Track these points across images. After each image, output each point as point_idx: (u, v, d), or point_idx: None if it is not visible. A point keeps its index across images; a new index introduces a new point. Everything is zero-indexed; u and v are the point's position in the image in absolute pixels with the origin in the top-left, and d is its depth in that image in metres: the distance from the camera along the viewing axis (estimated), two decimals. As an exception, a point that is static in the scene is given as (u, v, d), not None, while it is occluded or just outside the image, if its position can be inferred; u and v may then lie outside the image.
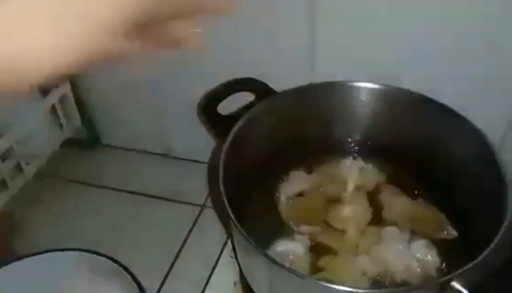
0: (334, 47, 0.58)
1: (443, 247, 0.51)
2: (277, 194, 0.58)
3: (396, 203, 0.56)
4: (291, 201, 0.57)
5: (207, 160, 0.76)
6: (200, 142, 0.74)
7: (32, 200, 0.71)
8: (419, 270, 0.49)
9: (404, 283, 0.48)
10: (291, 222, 0.55)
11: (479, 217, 0.49)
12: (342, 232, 0.53)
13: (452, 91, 0.55)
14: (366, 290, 0.38)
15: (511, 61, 0.53)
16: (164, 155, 0.79)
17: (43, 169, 0.71)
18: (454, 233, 0.52)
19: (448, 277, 0.38)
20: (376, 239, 0.52)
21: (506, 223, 0.41)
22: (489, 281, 0.39)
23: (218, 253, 0.61)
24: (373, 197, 0.57)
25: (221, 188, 0.46)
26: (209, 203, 0.70)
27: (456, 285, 0.38)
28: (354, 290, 0.38)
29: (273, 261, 0.39)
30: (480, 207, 0.49)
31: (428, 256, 0.50)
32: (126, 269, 0.50)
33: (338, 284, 0.38)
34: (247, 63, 0.62)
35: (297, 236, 0.53)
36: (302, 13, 0.57)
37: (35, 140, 0.68)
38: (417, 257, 0.50)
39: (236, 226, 0.42)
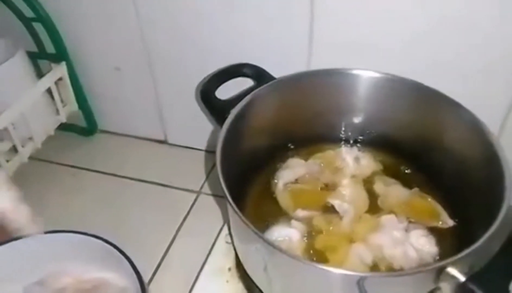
0: (333, 35, 0.58)
1: (441, 235, 0.51)
2: (275, 181, 0.58)
3: (392, 192, 0.56)
4: (288, 187, 0.57)
5: (203, 147, 0.76)
6: (197, 128, 0.74)
7: (27, 183, 0.70)
8: (416, 257, 0.49)
9: (401, 270, 0.48)
10: (288, 208, 0.55)
11: (477, 204, 0.49)
12: (339, 217, 0.53)
13: (450, 78, 0.55)
14: (361, 273, 0.38)
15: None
16: (161, 141, 0.79)
17: (38, 152, 0.71)
18: (450, 222, 0.52)
19: (444, 262, 0.39)
20: (373, 227, 0.52)
21: (503, 210, 0.41)
22: (485, 267, 0.39)
23: (213, 239, 0.61)
24: (369, 186, 0.57)
25: (219, 172, 0.45)
26: (205, 189, 0.70)
27: (452, 270, 0.38)
28: (350, 273, 0.38)
29: (270, 244, 0.39)
30: (478, 195, 0.49)
31: (426, 244, 0.50)
32: (121, 251, 0.50)
33: (335, 267, 0.38)
34: (246, 49, 0.62)
35: (294, 222, 0.52)
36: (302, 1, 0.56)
37: (30, 122, 0.67)
38: (414, 245, 0.50)
39: (233, 209, 0.42)
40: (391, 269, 0.49)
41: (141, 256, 0.52)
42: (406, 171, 0.59)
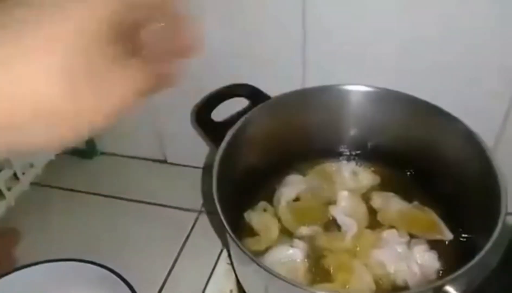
0: (327, 52, 0.58)
1: (442, 249, 0.51)
2: (276, 199, 0.58)
3: (391, 206, 0.56)
4: (289, 205, 0.57)
5: (203, 165, 0.76)
6: (197, 148, 0.74)
7: (28, 210, 0.71)
8: (420, 273, 0.49)
9: (404, 286, 0.48)
10: (290, 226, 0.55)
11: (475, 217, 0.49)
12: (342, 233, 0.53)
13: (445, 90, 0.55)
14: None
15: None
16: (160, 161, 0.79)
17: (39, 178, 0.71)
18: (449, 235, 0.52)
19: (441, 282, 0.39)
20: (375, 242, 0.52)
21: (499, 225, 0.42)
22: (483, 283, 0.39)
23: (215, 260, 0.61)
24: (367, 201, 0.57)
25: (215, 198, 0.46)
26: (205, 209, 0.70)
27: (449, 289, 0.38)
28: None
29: (270, 271, 0.39)
30: (475, 208, 0.50)
31: (430, 259, 0.50)
32: (123, 279, 0.50)
33: (334, 291, 0.38)
34: (241, 69, 0.63)
35: (296, 242, 0.52)
36: (295, 17, 0.57)
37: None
38: (418, 261, 0.50)
39: (230, 236, 0.42)
40: (395, 285, 0.49)
41: (143, 280, 0.52)
42: (404, 184, 0.59)
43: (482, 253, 0.39)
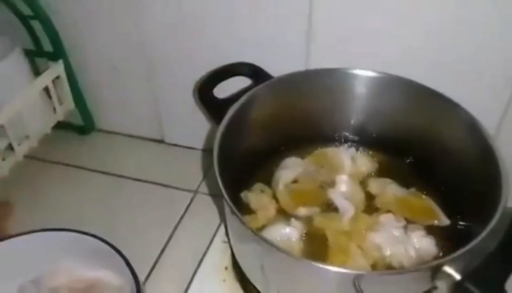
0: (331, 33, 0.58)
1: (440, 235, 0.51)
2: (274, 180, 0.58)
3: (389, 191, 0.56)
4: (288, 187, 0.57)
5: (201, 146, 0.76)
6: (194, 128, 0.74)
7: (22, 183, 0.70)
8: (415, 257, 0.49)
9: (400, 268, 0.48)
10: (288, 207, 0.55)
11: (474, 204, 0.49)
12: (339, 216, 0.53)
13: (448, 79, 0.55)
14: (357, 271, 0.38)
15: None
16: (158, 140, 0.78)
17: (34, 151, 0.71)
18: (446, 221, 0.52)
19: (440, 261, 0.39)
20: (371, 226, 0.52)
21: (499, 210, 0.42)
22: (481, 265, 0.39)
23: (210, 238, 0.61)
24: (365, 186, 0.57)
25: (216, 170, 0.45)
26: (202, 189, 0.70)
27: (448, 269, 0.38)
28: (346, 271, 0.38)
29: (267, 241, 0.39)
30: (475, 194, 0.50)
31: (425, 244, 0.50)
32: (117, 250, 0.50)
33: (332, 265, 0.38)
34: (244, 48, 0.62)
35: (293, 221, 0.52)
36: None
37: (27, 120, 0.67)
38: (414, 244, 0.50)
39: (231, 208, 0.42)
40: (390, 268, 0.48)
41: (137, 255, 0.52)
42: (403, 170, 0.59)
43: (483, 235, 0.39)
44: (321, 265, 0.38)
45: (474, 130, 0.50)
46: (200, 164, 0.74)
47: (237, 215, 0.41)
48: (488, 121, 0.50)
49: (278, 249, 0.39)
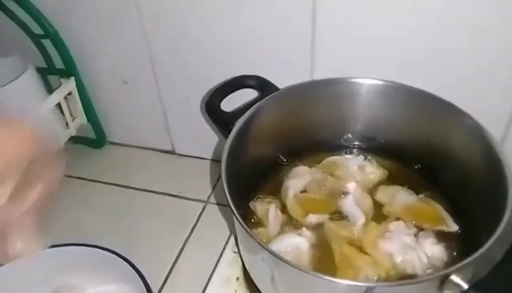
0: (336, 43, 0.59)
1: (449, 241, 0.51)
2: (283, 190, 0.58)
3: (397, 198, 0.56)
4: (297, 196, 0.58)
5: (210, 156, 0.77)
6: (203, 138, 0.75)
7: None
8: (427, 264, 0.49)
9: (412, 277, 0.48)
10: (298, 216, 0.55)
11: (481, 211, 0.49)
12: (350, 224, 0.54)
13: (453, 85, 0.56)
14: (368, 284, 0.39)
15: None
16: (168, 151, 0.80)
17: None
18: (454, 226, 0.52)
19: (447, 270, 0.39)
20: (382, 234, 0.53)
21: (506, 217, 0.42)
22: (489, 274, 0.39)
23: (221, 248, 0.62)
24: (373, 195, 0.57)
25: (224, 184, 0.46)
26: (212, 199, 0.71)
27: (455, 278, 0.39)
28: (357, 283, 0.38)
29: (276, 255, 0.40)
30: (482, 201, 0.50)
31: (437, 251, 0.50)
32: (130, 263, 0.51)
33: (341, 278, 0.38)
34: (250, 60, 0.63)
35: (304, 231, 0.53)
36: (305, 9, 0.57)
37: (41, 137, 0.69)
38: (426, 252, 0.50)
39: (239, 222, 0.43)
40: (403, 276, 0.49)
41: (151, 267, 0.53)
42: (411, 177, 0.59)
43: (489, 243, 0.40)
44: (331, 279, 0.38)
45: (480, 137, 0.50)
46: (211, 174, 0.75)
47: (245, 229, 0.42)
48: (494, 127, 0.50)
49: (287, 262, 0.39)
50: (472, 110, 0.51)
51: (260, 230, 0.53)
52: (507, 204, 0.43)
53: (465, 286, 0.38)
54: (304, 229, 0.53)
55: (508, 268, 0.40)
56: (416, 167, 0.59)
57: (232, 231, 0.63)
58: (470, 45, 0.54)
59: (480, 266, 0.40)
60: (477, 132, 0.50)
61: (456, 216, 0.53)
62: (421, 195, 0.56)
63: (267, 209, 0.55)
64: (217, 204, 0.70)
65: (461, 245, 0.51)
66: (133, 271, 0.50)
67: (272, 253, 0.40)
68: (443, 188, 0.56)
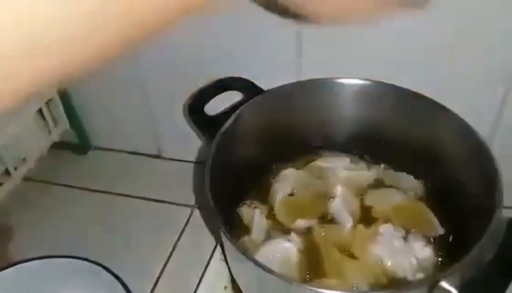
0: (322, 45, 0.58)
1: (439, 244, 0.51)
2: (271, 193, 0.58)
3: (385, 201, 0.56)
4: (285, 200, 0.57)
5: (198, 159, 0.76)
6: (190, 142, 0.73)
7: (21, 204, 0.70)
8: (418, 267, 0.49)
9: (402, 281, 0.48)
10: (286, 220, 0.55)
11: (471, 213, 0.49)
12: (338, 227, 0.53)
13: (442, 85, 0.55)
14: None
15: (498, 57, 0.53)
16: (155, 156, 0.78)
17: (31, 173, 0.71)
18: (440, 230, 0.52)
19: (436, 277, 0.38)
20: (370, 237, 0.52)
21: (495, 219, 0.41)
22: (477, 278, 0.38)
23: (209, 255, 0.61)
24: (362, 196, 0.57)
25: (208, 193, 0.45)
26: (199, 204, 0.69)
27: (444, 284, 0.38)
28: (343, 293, 0.38)
29: (262, 267, 0.39)
30: (471, 204, 0.49)
31: (427, 254, 0.50)
32: (114, 274, 0.50)
33: (328, 287, 0.38)
34: (234, 62, 0.62)
35: (292, 236, 0.52)
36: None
37: (22, 144, 0.67)
38: (416, 255, 0.50)
39: (223, 231, 0.42)
40: (393, 280, 0.48)
41: (136, 277, 0.52)
42: (399, 178, 0.58)
43: (477, 248, 0.39)
44: (318, 289, 0.37)
45: (468, 137, 0.50)
46: (198, 179, 0.73)
47: (228, 239, 0.41)
48: (482, 127, 0.50)
49: (273, 273, 0.38)
50: (460, 109, 0.51)
51: (247, 237, 0.52)
52: (495, 205, 0.43)
53: (454, 291, 0.38)
54: (293, 234, 0.52)
55: (496, 271, 0.39)
56: (404, 168, 0.59)
57: (219, 238, 0.62)
58: (457, 45, 0.53)
59: (469, 269, 0.39)
60: (465, 133, 0.50)
61: (445, 217, 0.53)
62: (410, 194, 0.56)
63: (252, 215, 0.54)
64: (205, 209, 0.69)
65: (450, 247, 0.51)
66: (117, 282, 0.49)
67: (255, 263, 0.39)
68: (431, 189, 0.56)
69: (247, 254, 0.40)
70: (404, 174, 0.59)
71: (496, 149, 0.47)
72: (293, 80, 0.60)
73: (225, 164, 0.52)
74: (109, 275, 0.50)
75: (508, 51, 0.53)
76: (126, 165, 0.77)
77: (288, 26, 0.57)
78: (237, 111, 0.54)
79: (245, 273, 0.45)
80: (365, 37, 0.55)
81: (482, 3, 0.50)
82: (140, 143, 0.78)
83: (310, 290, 0.37)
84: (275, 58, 0.60)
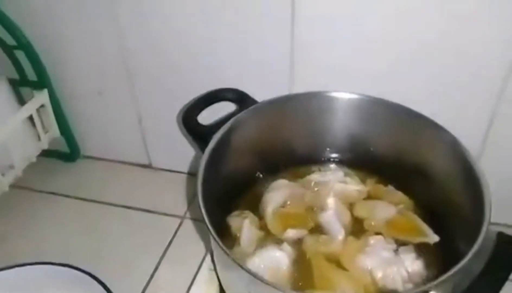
0: (315, 57, 0.59)
1: (429, 257, 0.51)
2: (262, 204, 0.57)
3: (377, 210, 0.56)
4: (276, 210, 0.57)
5: (188, 170, 0.75)
6: (181, 152, 0.74)
7: (9, 211, 0.69)
8: (408, 279, 0.49)
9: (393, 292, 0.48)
10: (277, 231, 0.54)
11: (460, 225, 0.49)
12: (329, 239, 0.53)
13: (432, 99, 0.56)
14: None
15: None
16: (145, 166, 0.78)
17: (19, 180, 0.70)
18: (435, 237, 0.52)
19: (426, 287, 0.39)
20: (361, 248, 0.52)
21: (482, 232, 0.42)
22: (468, 289, 0.39)
23: (197, 266, 0.60)
24: (353, 208, 0.57)
25: (200, 201, 0.45)
26: (189, 215, 0.69)
27: (434, 295, 0.38)
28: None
29: (253, 274, 0.39)
30: (460, 216, 0.50)
31: (417, 267, 0.50)
32: (103, 284, 0.49)
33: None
34: (228, 73, 0.63)
35: (284, 246, 0.52)
36: (283, 23, 0.57)
37: (11, 150, 0.66)
38: (407, 267, 0.50)
39: (214, 239, 0.41)
40: (383, 291, 0.48)
41: (125, 285, 0.51)
42: (389, 192, 0.59)
43: (465, 260, 0.39)
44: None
45: (457, 152, 0.50)
46: (188, 189, 0.73)
47: (221, 246, 0.41)
48: (471, 141, 0.51)
49: (263, 281, 0.38)
50: (449, 124, 0.52)
51: (236, 247, 0.52)
52: (484, 218, 0.43)
53: (445, 302, 0.38)
54: (285, 243, 0.52)
55: (486, 281, 0.40)
56: (394, 181, 0.59)
57: (209, 248, 0.62)
58: (447, 58, 0.54)
59: (459, 280, 0.40)
60: (454, 147, 0.51)
61: (435, 231, 0.53)
62: (401, 206, 0.56)
63: (241, 225, 0.54)
64: (194, 219, 0.68)
65: (441, 259, 0.51)
66: (103, 290, 0.48)
67: (246, 271, 0.39)
68: (421, 202, 0.56)
69: (237, 261, 0.40)
70: (393, 188, 0.59)
71: (485, 163, 0.48)
72: (285, 92, 0.61)
73: (217, 173, 0.52)
74: (92, 280, 0.49)
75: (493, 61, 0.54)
76: (116, 175, 0.77)
77: (281, 38, 0.58)
78: (230, 122, 0.54)
79: (235, 282, 0.45)
80: (357, 50, 0.57)
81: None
82: (130, 152, 0.78)
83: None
84: (268, 70, 0.61)
